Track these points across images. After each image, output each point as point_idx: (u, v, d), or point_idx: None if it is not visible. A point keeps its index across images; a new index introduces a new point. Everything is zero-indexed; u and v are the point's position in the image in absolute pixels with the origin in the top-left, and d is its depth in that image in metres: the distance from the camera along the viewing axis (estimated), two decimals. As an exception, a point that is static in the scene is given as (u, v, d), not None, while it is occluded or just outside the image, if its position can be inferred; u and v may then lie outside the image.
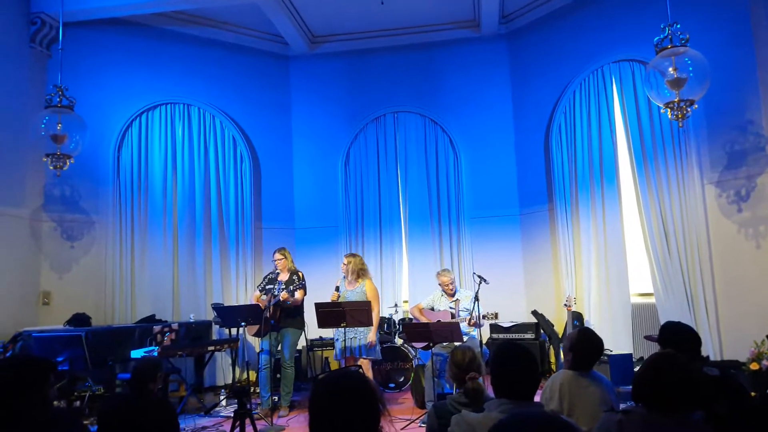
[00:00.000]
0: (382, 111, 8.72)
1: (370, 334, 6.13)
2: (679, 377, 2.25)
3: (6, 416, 2.33)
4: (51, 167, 6.06)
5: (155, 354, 5.74)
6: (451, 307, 6.32)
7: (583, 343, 3.15)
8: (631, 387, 2.39)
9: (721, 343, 6.09)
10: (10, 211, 6.65)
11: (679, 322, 3.33)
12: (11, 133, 6.67)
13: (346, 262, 6.40)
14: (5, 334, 5.98)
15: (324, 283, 6.72)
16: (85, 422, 4.89)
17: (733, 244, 6.05)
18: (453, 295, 6.40)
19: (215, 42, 8.39)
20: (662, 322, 4.90)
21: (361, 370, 5.90)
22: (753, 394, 4.08)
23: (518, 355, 2.48)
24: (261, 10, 7.69)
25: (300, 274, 6.38)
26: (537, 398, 2.59)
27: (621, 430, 2.20)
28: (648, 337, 5.70)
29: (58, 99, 5.97)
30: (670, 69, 5.11)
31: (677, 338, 3.13)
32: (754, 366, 5.36)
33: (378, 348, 6.32)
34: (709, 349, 6.02)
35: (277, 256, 6.44)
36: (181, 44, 8.16)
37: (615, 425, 2.22)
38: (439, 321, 5.89)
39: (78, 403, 5.69)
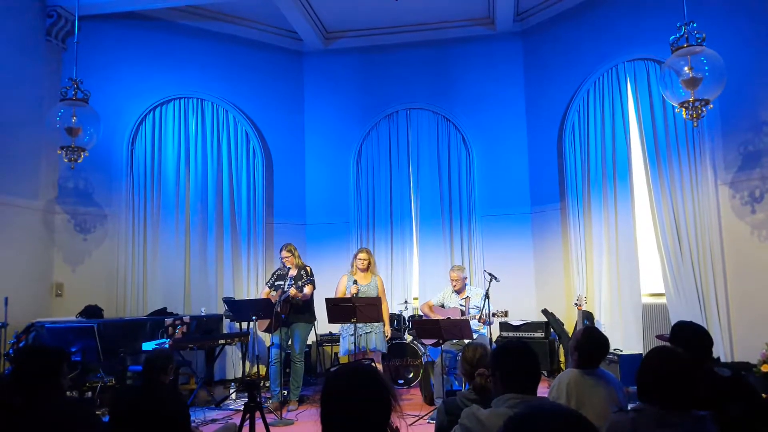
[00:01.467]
0: (394, 108, 8.72)
1: (386, 328, 6.23)
2: (678, 368, 2.27)
3: (22, 404, 2.36)
4: (65, 160, 6.11)
5: (166, 346, 5.78)
6: (461, 305, 6.32)
7: (588, 341, 3.15)
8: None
9: (732, 344, 6.04)
10: (24, 203, 6.72)
11: (691, 322, 3.31)
12: (27, 126, 6.73)
13: (365, 257, 6.44)
14: (19, 324, 6.04)
15: (334, 278, 6.73)
16: (97, 413, 4.93)
17: (746, 246, 6.00)
18: (459, 292, 6.40)
19: (229, 37, 8.41)
20: (673, 322, 4.86)
21: (373, 363, 5.93)
22: (765, 396, 4.05)
23: (518, 350, 2.53)
24: (275, 6, 7.70)
25: (308, 269, 6.40)
26: (540, 394, 2.60)
27: (635, 429, 2.20)
28: (660, 337, 5.67)
29: (73, 92, 6.01)
30: (686, 68, 5.06)
31: (689, 338, 3.11)
32: (765, 368, 5.32)
33: (385, 342, 6.41)
34: (720, 350, 5.98)
35: (284, 253, 6.45)
36: (195, 39, 8.20)
37: (629, 423, 2.23)
38: (448, 318, 5.89)
39: (89, 394, 5.73)
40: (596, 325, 6.93)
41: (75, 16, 6.50)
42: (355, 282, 6.28)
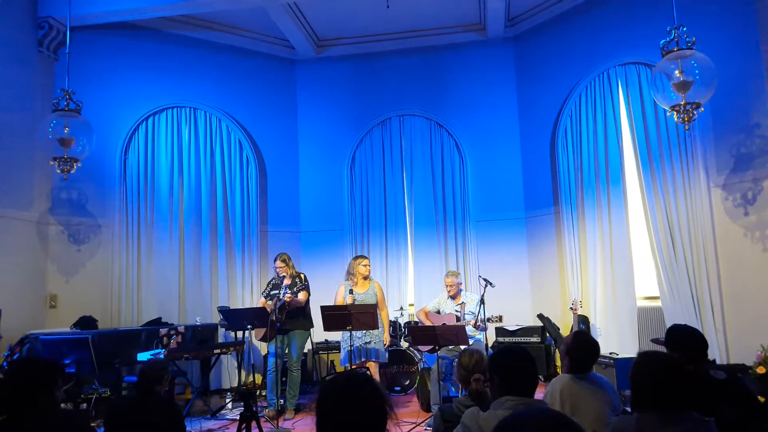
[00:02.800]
0: (387, 114, 8.74)
1: (386, 335, 6.16)
2: (668, 371, 2.30)
3: (16, 417, 2.35)
4: (58, 171, 6.08)
5: (161, 357, 5.75)
6: (456, 310, 6.31)
7: (579, 345, 3.15)
8: None
9: (728, 346, 6.06)
10: (17, 214, 6.69)
11: (685, 325, 3.32)
12: (19, 137, 6.71)
13: (367, 263, 6.39)
14: (12, 336, 6.00)
15: (329, 286, 6.72)
16: (92, 425, 4.90)
17: (739, 248, 6.03)
18: (455, 297, 6.39)
19: (222, 46, 8.42)
20: (668, 325, 4.89)
21: (368, 372, 5.90)
22: (761, 399, 4.06)
23: (516, 354, 2.57)
24: (267, 15, 7.72)
25: (302, 276, 6.40)
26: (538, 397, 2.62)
27: (639, 429, 2.22)
28: (655, 341, 5.69)
29: (65, 103, 5.99)
30: (677, 72, 5.09)
31: (684, 341, 3.12)
32: (760, 369, 5.33)
33: (386, 351, 6.35)
34: (716, 352, 6.00)
35: (279, 263, 6.43)
36: (187, 48, 8.20)
37: (633, 423, 2.25)
38: (444, 324, 5.88)
39: (84, 405, 5.70)
40: (591, 328, 6.95)
41: (67, 26, 6.49)
42: (351, 291, 6.22)
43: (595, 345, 3.20)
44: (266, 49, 8.74)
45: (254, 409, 4.31)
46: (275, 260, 6.48)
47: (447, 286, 6.40)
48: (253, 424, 4.25)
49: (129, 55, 7.82)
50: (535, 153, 8.25)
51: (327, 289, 6.76)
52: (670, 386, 2.27)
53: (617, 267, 6.97)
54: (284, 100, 8.97)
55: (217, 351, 6.72)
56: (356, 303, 6.10)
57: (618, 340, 6.76)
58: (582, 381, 3.05)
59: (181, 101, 8.05)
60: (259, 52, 8.73)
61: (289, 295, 6.04)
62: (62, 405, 4.70)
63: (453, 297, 6.40)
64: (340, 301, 6.26)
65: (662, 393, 2.27)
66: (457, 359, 3.37)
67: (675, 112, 5.18)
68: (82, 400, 5.71)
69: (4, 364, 5.67)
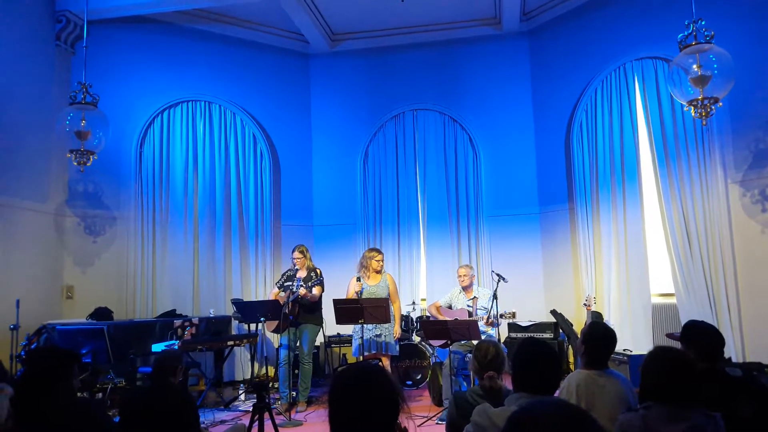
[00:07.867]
0: (401, 108, 8.72)
1: (396, 328, 6.20)
2: (680, 366, 2.28)
3: (33, 405, 2.38)
4: (75, 163, 6.15)
5: (176, 348, 5.80)
6: (468, 305, 6.30)
7: (594, 333, 3.11)
8: None
9: (744, 344, 6.00)
10: (34, 206, 6.76)
11: (702, 321, 3.28)
12: (36, 129, 6.78)
13: (380, 258, 6.42)
14: (30, 326, 6.08)
15: (341, 280, 6.73)
16: (108, 413, 4.95)
17: (757, 245, 5.96)
18: (466, 290, 6.38)
19: (236, 40, 8.45)
20: (683, 322, 4.83)
21: (381, 363, 5.92)
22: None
23: (538, 350, 2.55)
24: (282, 8, 7.73)
25: (318, 271, 6.42)
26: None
27: (646, 425, 2.21)
28: (670, 335, 5.64)
29: (82, 96, 6.04)
30: (694, 66, 5.03)
31: (700, 338, 3.09)
32: (777, 368, 5.27)
33: (396, 343, 6.37)
34: (732, 350, 5.94)
35: (296, 254, 6.47)
36: (202, 42, 8.23)
37: (639, 420, 2.23)
38: (456, 319, 5.88)
39: (100, 395, 5.76)
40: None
41: (84, 20, 6.54)
42: (359, 279, 6.25)
43: (610, 333, 3.17)
44: (280, 43, 8.75)
45: (267, 400, 4.34)
46: (293, 251, 6.52)
47: (460, 276, 6.38)
48: (266, 415, 4.27)
49: (145, 49, 7.87)
50: (549, 148, 8.20)
51: (339, 283, 6.77)
52: (679, 382, 2.26)
53: (632, 263, 6.92)
54: (298, 94, 8.99)
55: (230, 343, 6.78)
56: (366, 293, 6.14)
57: (632, 337, 6.71)
58: (599, 377, 3.02)
59: (196, 95, 8.09)
60: (274, 46, 8.74)
61: (303, 289, 6.07)
62: (78, 394, 4.76)
63: (465, 289, 6.38)
64: (351, 293, 6.29)
65: (670, 388, 2.27)
66: (470, 354, 3.38)
67: (692, 107, 5.13)
68: (98, 390, 5.78)
69: (22, 353, 5.75)
